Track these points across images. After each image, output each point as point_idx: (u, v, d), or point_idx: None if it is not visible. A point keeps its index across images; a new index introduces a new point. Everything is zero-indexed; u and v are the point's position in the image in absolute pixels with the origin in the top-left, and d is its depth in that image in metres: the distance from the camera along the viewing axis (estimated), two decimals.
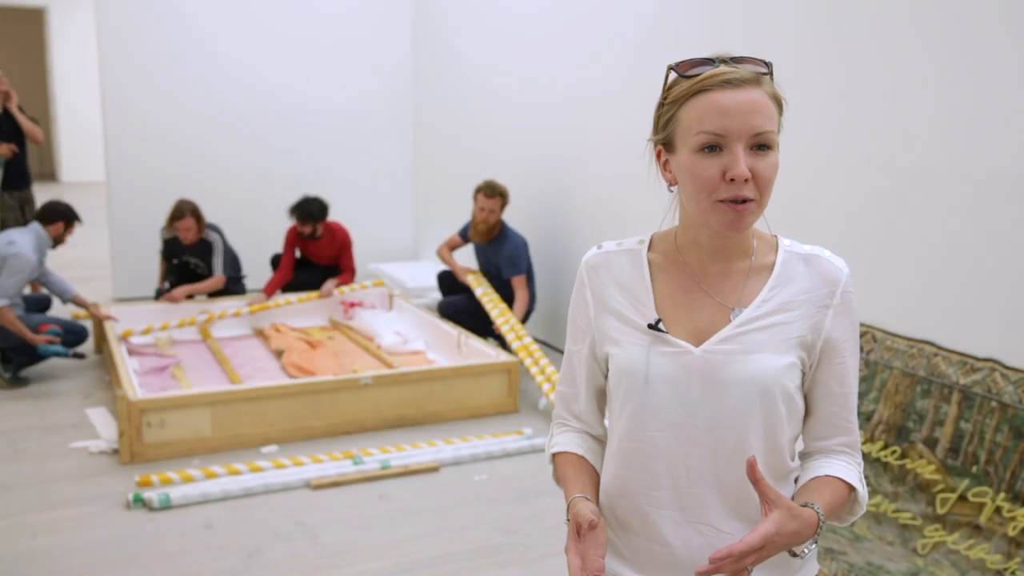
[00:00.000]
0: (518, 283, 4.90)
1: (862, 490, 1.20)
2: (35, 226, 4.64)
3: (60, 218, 4.68)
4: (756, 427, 1.15)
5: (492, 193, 4.91)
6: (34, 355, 4.44)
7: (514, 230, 5.03)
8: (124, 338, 4.80)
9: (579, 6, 4.87)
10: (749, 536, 1.03)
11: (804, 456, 1.26)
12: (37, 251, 4.52)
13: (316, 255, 5.74)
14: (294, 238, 5.65)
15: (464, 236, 5.18)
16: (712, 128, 1.10)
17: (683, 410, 1.16)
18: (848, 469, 1.20)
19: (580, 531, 1.14)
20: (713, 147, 1.10)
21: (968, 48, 2.68)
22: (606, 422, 1.33)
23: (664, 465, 1.18)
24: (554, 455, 1.32)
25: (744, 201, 1.10)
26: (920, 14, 2.83)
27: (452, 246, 5.25)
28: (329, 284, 5.55)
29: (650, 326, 1.19)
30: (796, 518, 1.06)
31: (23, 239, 4.49)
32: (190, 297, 5.40)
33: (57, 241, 4.72)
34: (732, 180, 1.09)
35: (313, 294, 5.51)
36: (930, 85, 2.80)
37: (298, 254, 5.78)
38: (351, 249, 5.75)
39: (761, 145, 1.10)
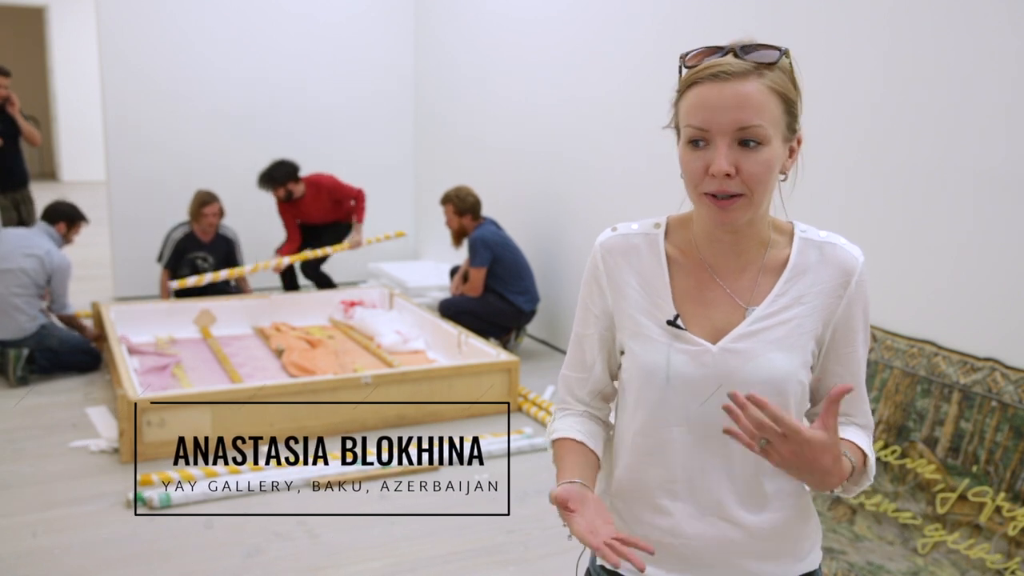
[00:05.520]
0: (473, 274, 4.95)
1: (873, 461, 1.21)
2: (44, 226, 4.63)
3: (62, 218, 4.68)
4: None
5: (442, 201, 5.10)
6: (56, 361, 4.48)
7: (482, 227, 5.02)
8: (178, 287, 5.19)
9: (580, 4, 4.87)
10: (792, 419, 1.03)
11: None
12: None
13: (312, 214, 5.83)
14: (284, 209, 5.76)
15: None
16: (696, 122, 1.10)
17: (699, 407, 1.17)
18: (861, 438, 1.22)
19: (566, 506, 1.08)
20: (699, 141, 1.11)
21: (965, 48, 2.67)
22: (612, 408, 1.32)
23: (680, 460, 1.19)
24: (553, 442, 1.28)
25: (730, 197, 1.10)
26: (925, 11, 2.83)
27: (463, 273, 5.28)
28: (354, 235, 5.73)
29: (669, 323, 1.18)
30: (837, 458, 1.07)
31: (47, 242, 4.51)
32: (193, 294, 5.44)
33: (64, 241, 4.72)
34: (714, 175, 1.09)
35: (344, 244, 5.70)
36: (931, 85, 2.80)
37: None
38: (342, 185, 5.82)
39: (748, 140, 1.09)
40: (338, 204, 5.86)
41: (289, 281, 6.05)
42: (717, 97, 1.08)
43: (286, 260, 5.59)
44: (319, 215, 5.84)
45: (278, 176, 5.60)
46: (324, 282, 6.10)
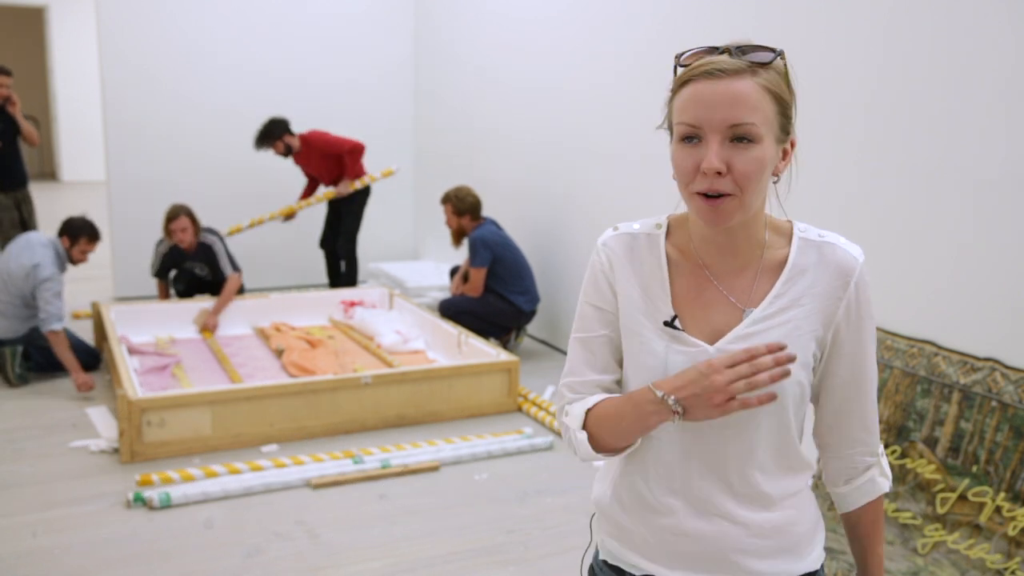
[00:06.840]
0: (474, 274, 4.95)
1: (889, 488, 1.27)
2: (54, 241, 4.53)
3: (65, 232, 4.54)
4: (765, 424, 1.16)
5: (442, 200, 5.12)
6: (56, 360, 4.43)
7: (482, 227, 5.01)
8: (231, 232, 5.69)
9: (580, 3, 4.86)
10: None
11: (824, 448, 1.28)
12: (57, 265, 4.46)
13: (312, 169, 6.03)
14: (296, 161, 6.00)
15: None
16: (688, 119, 1.10)
17: None
18: (876, 483, 1.26)
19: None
20: (691, 138, 1.10)
21: (965, 48, 2.67)
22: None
23: (677, 461, 1.19)
24: (588, 411, 1.20)
25: (719, 196, 1.09)
26: (925, 11, 2.83)
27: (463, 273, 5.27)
28: (343, 185, 5.94)
29: (666, 323, 1.18)
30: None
31: (45, 256, 4.39)
32: (193, 294, 5.43)
33: (71, 258, 4.57)
34: (705, 173, 1.09)
35: (330, 192, 5.96)
36: (932, 85, 2.80)
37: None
38: (331, 140, 5.94)
39: (740, 137, 1.08)
40: (334, 160, 5.99)
41: (335, 270, 6.22)
42: (710, 94, 1.08)
43: (341, 190, 5.92)
44: (319, 170, 6.04)
45: (275, 132, 5.81)
46: (352, 266, 6.16)
